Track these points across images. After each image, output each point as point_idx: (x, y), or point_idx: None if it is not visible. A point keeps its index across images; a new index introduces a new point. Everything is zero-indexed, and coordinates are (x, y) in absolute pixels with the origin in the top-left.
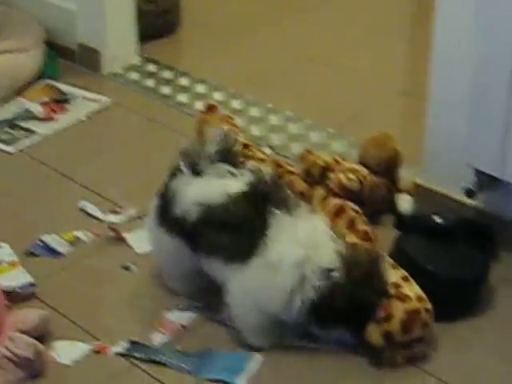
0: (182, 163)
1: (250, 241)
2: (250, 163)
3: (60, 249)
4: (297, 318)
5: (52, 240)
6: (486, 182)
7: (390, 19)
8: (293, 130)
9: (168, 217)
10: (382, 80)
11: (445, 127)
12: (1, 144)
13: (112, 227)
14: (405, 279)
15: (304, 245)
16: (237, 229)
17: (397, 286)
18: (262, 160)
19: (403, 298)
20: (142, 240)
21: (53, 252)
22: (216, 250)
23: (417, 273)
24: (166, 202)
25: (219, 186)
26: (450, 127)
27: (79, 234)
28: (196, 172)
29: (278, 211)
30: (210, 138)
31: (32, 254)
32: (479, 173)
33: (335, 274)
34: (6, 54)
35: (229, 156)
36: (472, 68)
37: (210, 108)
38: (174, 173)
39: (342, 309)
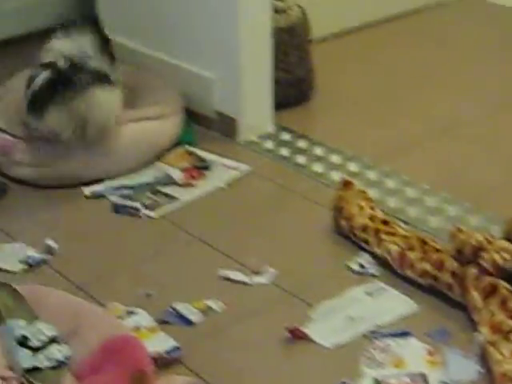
0: None
1: None
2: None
3: (192, 318)
4: None
5: (184, 308)
6: None
7: None
8: (429, 203)
9: None
10: None
11: None
12: (144, 209)
13: (290, 328)
14: None
15: None
16: None
17: None
18: (405, 237)
19: None
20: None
21: (185, 320)
22: None
23: None
24: None
25: None
26: None
27: (211, 303)
28: None
29: None
30: None
31: (164, 322)
32: None
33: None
34: (147, 121)
35: None
36: None
37: (346, 184)
38: None
39: None
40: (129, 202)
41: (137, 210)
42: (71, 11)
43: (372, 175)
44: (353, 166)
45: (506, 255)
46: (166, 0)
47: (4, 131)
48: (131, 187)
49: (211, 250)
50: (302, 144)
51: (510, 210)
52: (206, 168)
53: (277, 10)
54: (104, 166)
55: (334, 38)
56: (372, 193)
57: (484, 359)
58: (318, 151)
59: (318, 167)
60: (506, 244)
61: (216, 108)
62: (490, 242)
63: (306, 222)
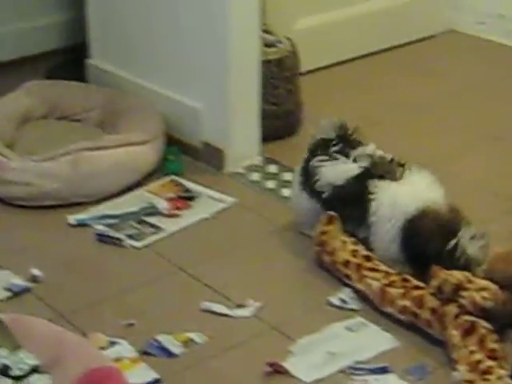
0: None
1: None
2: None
3: (174, 350)
4: None
5: (166, 340)
6: None
7: None
8: None
9: (308, 187)
10: None
11: None
12: (128, 239)
13: (270, 362)
14: None
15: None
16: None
17: None
18: (386, 273)
19: None
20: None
21: (167, 352)
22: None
23: None
24: (306, 176)
25: (343, 170)
26: None
27: (193, 335)
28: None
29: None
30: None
31: (146, 353)
32: None
33: None
34: (127, 147)
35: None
36: None
37: (330, 219)
38: (311, 154)
39: None
40: (113, 232)
41: (121, 240)
42: (61, 37)
43: None
44: None
45: (485, 294)
46: (156, 30)
47: None
48: (116, 216)
49: (195, 281)
50: (288, 177)
51: None
52: (192, 199)
53: (266, 44)
54: (87, 188)
55: (322, 69)
56: None
57: None
58: None
59: None
60: (486, 283)
61: (203, 138)
62: (470, 281)
63: (290, 256)
